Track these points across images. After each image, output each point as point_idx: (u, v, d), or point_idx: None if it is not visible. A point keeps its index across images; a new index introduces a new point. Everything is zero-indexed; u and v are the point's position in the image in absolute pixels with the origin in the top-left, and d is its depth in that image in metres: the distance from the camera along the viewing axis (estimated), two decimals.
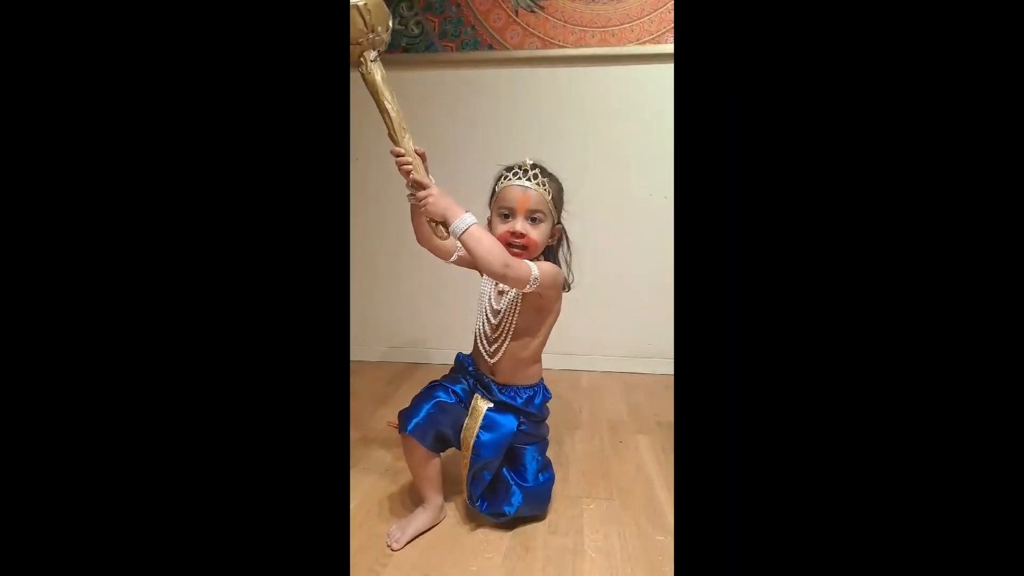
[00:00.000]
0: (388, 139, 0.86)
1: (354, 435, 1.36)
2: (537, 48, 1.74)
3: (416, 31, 1.76)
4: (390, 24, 0.85)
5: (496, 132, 1.80)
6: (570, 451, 1.29)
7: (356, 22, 0.79)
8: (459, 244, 0.88)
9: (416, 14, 1.76)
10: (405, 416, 0.96)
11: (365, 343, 1.94)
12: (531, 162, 0.96)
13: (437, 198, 0.85)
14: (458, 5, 1.74)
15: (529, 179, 0.94)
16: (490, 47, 1.75)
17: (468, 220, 0.84)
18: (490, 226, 0.99)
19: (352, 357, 1.92)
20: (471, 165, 1.79)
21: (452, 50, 1.76)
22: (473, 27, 1.75)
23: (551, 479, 1.03)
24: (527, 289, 0.90)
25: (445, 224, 0.85)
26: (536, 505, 1.00)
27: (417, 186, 0.85)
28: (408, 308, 1.93)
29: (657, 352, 1.82)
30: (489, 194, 1.01)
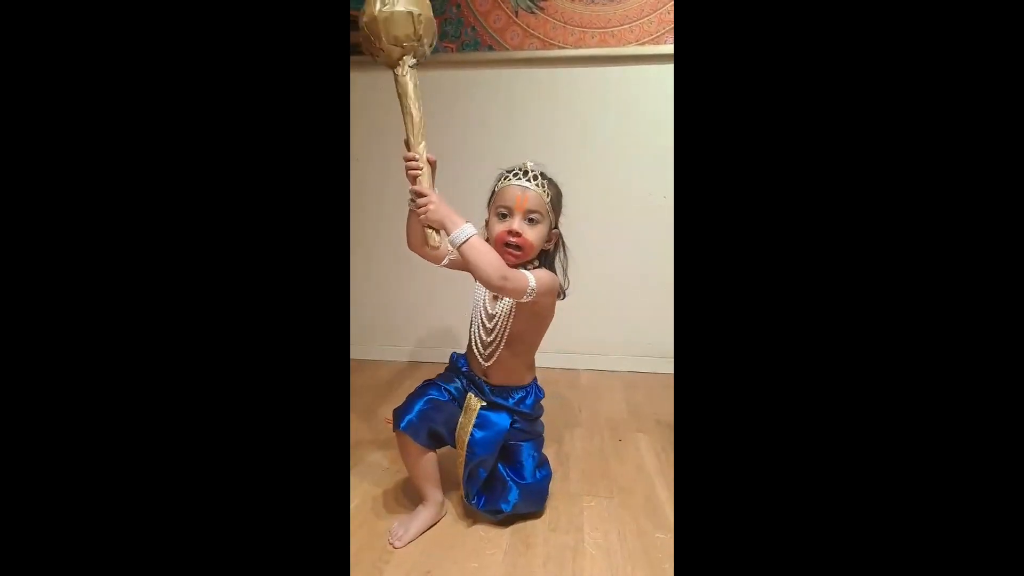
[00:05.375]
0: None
1: (355, 434, 1.37)
2: (537, 49, 1.74)
3: None
4: (435, 39, 0.89)
5: (496, 132, 1.80)
6: (570, 449, 1.30)
7: (406, 27, 0.82)
8: (451, 249, 0.89)
9: None
10: (399, 413, 0.97)
11: (365, 341, 1.94)
12: (531, 164, 0.96)
13: (438, 206, 0.86)
14: (458, 6, 1.75)
15: (528, 180, 0.94)
16: (490, 48, 1.76)
17: (468, 231, 0.85)
18: (487, 226, 0.99)
19: (352, 355, 1.93)
20: (470, 165, 1.79)
21: (452, 51, 1.77)
22: (473, 28, 1.76)
23: (548, 476, 1.03)
24: (524, 299, 0.90)
25: (444, 230, 0.86)
26: (533, 502, 1.01)
27: (419, 193, 0.87)
28: (408, 306, 1.94)
29: (656, 351, 1.83)
30: (488, 195, 1.01)
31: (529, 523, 1.00)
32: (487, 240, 0.99)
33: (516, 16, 1.74)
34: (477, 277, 0.89)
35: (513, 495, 0.97)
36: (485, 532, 0.98)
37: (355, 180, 1.80)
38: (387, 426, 1.38)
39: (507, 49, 1.75)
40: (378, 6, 0.82)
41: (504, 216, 0.95)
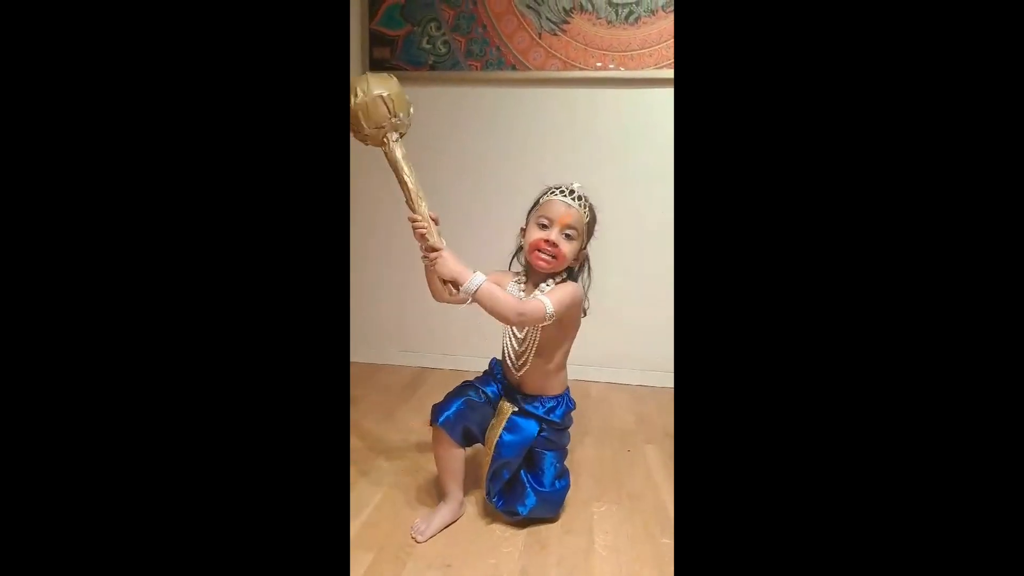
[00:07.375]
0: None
1: (376, 433, 1.43)
2: (558, 69, 1.81)
3: (443, 50, 1.84)
4: (411, 111, 0.96)
5: (516, 149, 1.86)
6: (581, 457, 1.35)
7: (380, 109, 0.90)
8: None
9: (444, 34, 1.84)
10: (437, 410, 1.04)
11: (385, 347, 2.01)
12: (577, 185, 1.04)
13: (446, 260, 0.93)
14: (484, 26, 1.82)
15: (573, 199, 1.02)
16: (513, 67, 1.83)
17: (477, 281, 0.93)
18: (524, 233, 1.06)
19: (370, 360, 2.00)
20: (491, 178, 1.88)
21: (477, 69, 1.84)
22: (498, 48, 1.83)
23: (566, 487, 1.08)
24: (545, 323, 0.98)
25: (456, 284, 0.94)
26: (549, 509, 1.06)
27: (429, 249, 0.94)
28: (426, 315, 1.99)
29: (665, 366, 1.88)
30: (530, 206, 1.07)
31: (544, 525, 1.06)
32: (521, 248, 1.07)
33: (539, 38, 1.81)
34: (496, 318, 0.97)
35: (530, 500, 1.03)
36: (502, 531, 1.04)
37: (375, 189, 1.86)
38: (410, 427, 1.45)
39: (530, 69, 1.82)
40: (353, 100, 0.90)
41: (544, 226, 1.01)
